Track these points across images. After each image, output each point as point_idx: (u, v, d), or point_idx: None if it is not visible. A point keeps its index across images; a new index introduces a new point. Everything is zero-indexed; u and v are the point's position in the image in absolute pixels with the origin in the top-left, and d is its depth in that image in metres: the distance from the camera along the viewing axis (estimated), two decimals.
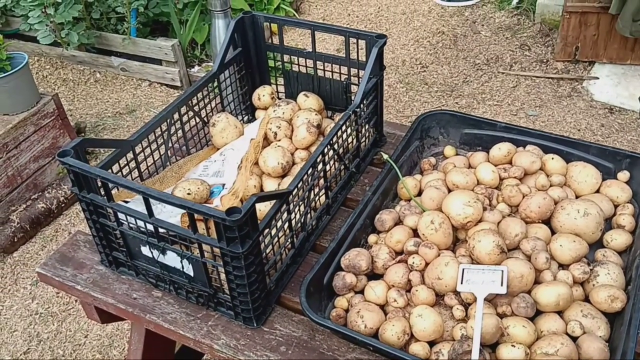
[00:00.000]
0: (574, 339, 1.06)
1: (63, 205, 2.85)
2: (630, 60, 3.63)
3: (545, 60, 3.81)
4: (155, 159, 1.43)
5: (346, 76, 1.59)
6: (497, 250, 1.14)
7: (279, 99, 1.71)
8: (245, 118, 1.71)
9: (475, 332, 1.02)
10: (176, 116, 1.45)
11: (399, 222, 1.32)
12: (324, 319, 1.12)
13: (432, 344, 1.10)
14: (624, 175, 1.36)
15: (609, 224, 1.30)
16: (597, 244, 1.26)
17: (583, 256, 1.19)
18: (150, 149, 1.39)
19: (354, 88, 1.60)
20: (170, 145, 1.45)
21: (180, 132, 1.48)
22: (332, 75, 1.60)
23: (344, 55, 1.55)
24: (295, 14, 4.17)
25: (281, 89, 1.72)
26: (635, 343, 0.99)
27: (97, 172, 1.11)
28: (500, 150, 1.39)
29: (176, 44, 3.51)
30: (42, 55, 3.88)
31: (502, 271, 1.10)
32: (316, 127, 1.51)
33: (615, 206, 1.33)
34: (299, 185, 1.21)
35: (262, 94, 1.67)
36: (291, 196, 1.20)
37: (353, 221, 1.27)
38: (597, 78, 3.62)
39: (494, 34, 4.06)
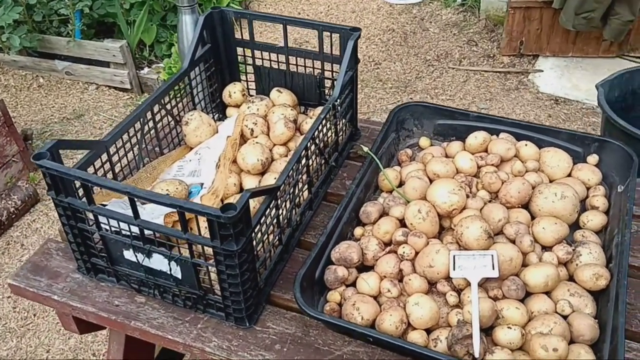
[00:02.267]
0: (564, 317, 1.09)
1: (14, 216, 2.71)
2: (572, 53, 3.78)
3: (492, 55, 3.92)
4: (129, 160, 1.38)
5: (319, 70, 1.58)
6: (485, 235, 1.16)
7: (250, 95, 1.68)
8: (216, 116, 1.68)
9: (473, 316, 1.03)
10: (149, 115, 1.40)
11: (383, 213, 1.33)
12: (321, 313, 1.11)
13: (428, 331, 1.11)
14: (593, 158, 1.41)
15: (582, 205, 1.35)
16: (574, 226, 1.30)
17: (564, 237, 1.23)
18: (124, 149, 1.34)
19: (327, 82, 1.59)
20: (143, 145, 1.40)
21: (153, 132, 1.44)
22: (305, 70, 1.59)
23: (317, 50, 1.55)
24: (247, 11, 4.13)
25: (252, 85, 1.70)
26: (625, 318, 1.02)
27: (77, 174, 1.06)
28: (476, 139, 1.42)
29: (125, 45, 3.41)
30: None
31: (492, 255, 1.12)
32: (293, 123, 1.50)
33: (587, 188, 1.37)
34: (286, 181, 1.19)
35: (233, 91, 1.64)
36: (279, 192, 1.18)
37: (340, 215, 1.26)
38: (542, 71, 3.76)
39: (442, 31, 4.15)
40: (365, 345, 1.14)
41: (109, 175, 1.31)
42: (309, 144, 1.28)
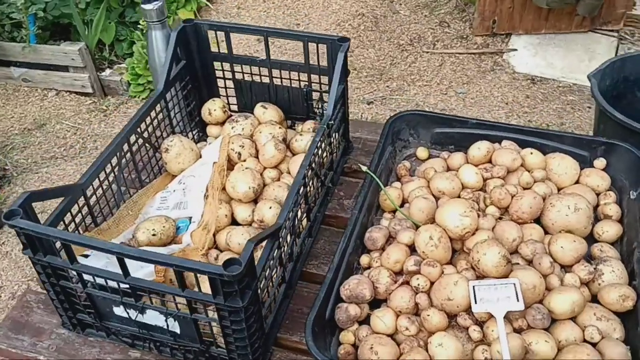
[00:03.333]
0: (593, 344, 1.03)
1: None
2: (545, 30, 3.73)
3: (465, 36, 3.84)
4: (109, 199, 1.26)
5: (306, 82, 1.47)
6: (504, 261, 1.09)
7: (232, 111, 1.57)
8: (197, 135, 1.56)
9: (504, 355, 0.96)
10: (126, 147, 1.28)
11: (390, 238, 1.25)
12: None
13: None
14: (600, 162, 1.35)
15: (594, 214, 1.29)
16: (588, 237, 1.24)
17: (584, 255, 1.16)
18: (102, 188, 1.22)
19: (315, 94, 1.49)
20: (122, 180, 1.28)
21: (131, 164, 1.32)
22: (291, 82, 1.48)
23: (302, 61, 1.44)
24: (208, 4, 3.97)
25: (232, 100, 1.58)
26: None
27: (58, 234, 0.94)
28: (480, 150, 1.34)
29: (83, 48, 3.22)
30: None
31: (515, 284, 1.05)
32: (283, 142, 1.39)
33: (597, 194, 1.31)
34: (287, 216, 1.10)
35: (213, 108, 1.52)
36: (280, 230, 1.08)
37: (345, 246, 1.17)
38: (516, 50, 3.71)
39: (413, 13, 4.05)
40: None
41: (88, 219, 1.19)
42: (307, 172, 1.19)
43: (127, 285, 1.00)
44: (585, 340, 1.04)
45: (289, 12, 4.12)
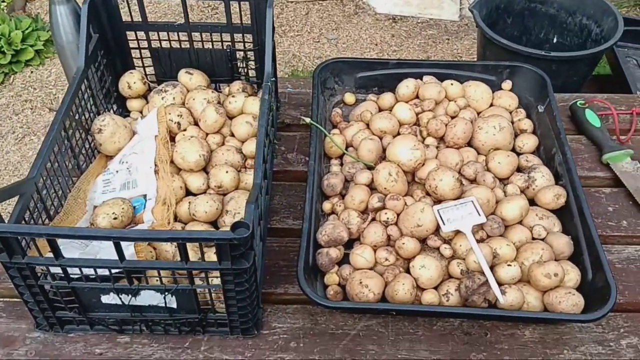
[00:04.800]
0: (541, 240, 1.20)
1: None
2: None
3: None
4: (57, 190, 1.18)
5: (228, 43, 1.46)
6: (458, 183, 1.21)
7: (152, 82, 1.51)
8: (117, 113, 1.49)
9: (482, 264, 1.09)
10: (63, 133, 1.20)
11: (345, 182, 1.32)
12: (340, 302, 1.10)
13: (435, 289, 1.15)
14: (507, 84, 1.52)
15: None
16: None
17: (517, 167, 1.33)
18: (50, 180, 1.14)
19: (238, 54, 1.49)
20: (65, 169, 1.21)
21: (69, 151, 1.24)
22: (212, 45, 1.46)
23: (223, 22, 1.42)
24: None
25: (149, 70, 1.52)
26: (595, 227, 1.16)
27: (43, 231, 0.89)
28: (408, 87, 1.44)
29: None
30: None
31: (472, 201, 1.18)
32: (221, 106, 1.39)
33: (509, 112, 1.48)
34: (264, 175, 1.12)
35: (132, 81, 1.46)
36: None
37: (310, 195, 1.22)
38: None
39: None
40: (376, 316, 1.16)
41: (43, 214, 1.12)
42: (266, 129, 1.20)
43: (119, 270, 0.97)
44: (534, 238, 1.21)
45: None
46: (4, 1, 3.19)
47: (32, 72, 3.12)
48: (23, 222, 1.02)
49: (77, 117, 1.27)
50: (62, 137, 1.19)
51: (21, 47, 3.04)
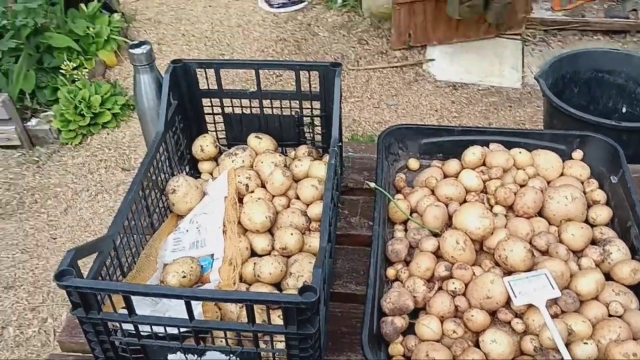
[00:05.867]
0: (618, 317, 1.14)
1: None
2: (456, 39, 4.00)
3: (384, 51, 4.03)
4: (132, 247, 1.23)
5: (297, 109, 1.51)
6: (530, 254, 1.18)
7: (223, 145, 1.57)
8: (189, 174, 1.55)
9: (557, 341, 1.04)
10: (140, 193, 1.26)
11: (410, 248, 1.31)
12: None
13: None
14: (578, 154, 1.49)
15: None
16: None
17: (591, 239, 1.28)
18: (126, 237, 1.19)
19: (305, 120, 1.53)
20: (140, 227, 1.26)
21: (144, 210, 1.29)
22: (282, 111, 1.51)
23: (292, 89, 1.48)
24: (127, 41, 3.88)
25: (221, 134, 1.58)
26: None
27: (120, 287, 0.92)
28: (475, 154, 1.44)
29: (6, 99, 3.05)
30: None
31: (546, 274, 1.14)
32: (288, 169, 1.42)
33: (581, 183, 1.45)
34: (330, 238, 1.13)
35: (205, 144, 1.52)
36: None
37: (375, 260, 1.22)
38: (433, 59, 3.94)
39: (332, 34, 4.19)
40: None
41: (118, 271, 1.16)
42: (332, 194, 1.22)
43: (187, 330, 0.98)
44: (610, 315, 1.15)
45: (211, 43, 4.13)
46: (86, 68, 3.43)
47: (108, 133, 3.30)
48: (100, 278, 1.06)
49: (153, 177, 1.32)
50: (139, 196, 1.25)
51: (99, 110, 3.23)
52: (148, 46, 1.39)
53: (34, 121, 3.24)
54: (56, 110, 3.21)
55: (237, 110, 1.53)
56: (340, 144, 1.35)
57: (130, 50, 1.38)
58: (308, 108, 1.51)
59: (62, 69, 3.32)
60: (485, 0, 3.55)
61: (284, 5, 4.39)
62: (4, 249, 2.70)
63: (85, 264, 1.01)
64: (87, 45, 3.60)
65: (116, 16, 3.79)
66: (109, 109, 3.27)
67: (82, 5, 3.69)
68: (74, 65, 3.35)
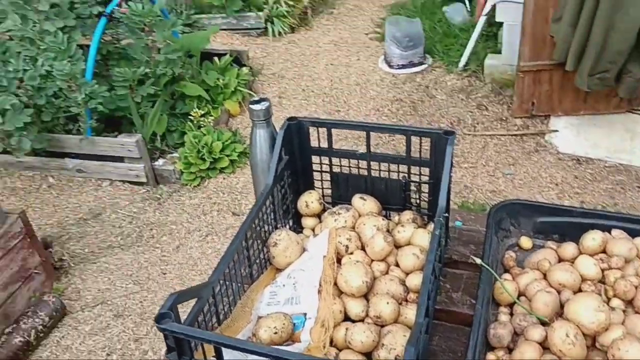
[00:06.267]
0: None
1: (41, 334, 2.52)
2: (584, 111, 3.80)
3: (504, 118, 3.92)
4: (229, 295, 1.25)
5: (404, 174, 1.50)
6: None
7: (327, 203, 1.59)
8: (292, 229, 1.57)
9: None
10: (243, 243, 1.29)
11: (514, 334, 1.22)
12: None
13: None
14: None
15: None
16: None
17: None
18: (226, 285, 1.22)
19: (412, 185, 1.51)
20: (239, 276, 1.28)
21: (245, 260, 1.32)
22: (389, 174, 1.50)
23: (403, 154, 1.47)
24: (252, 94, 4.10)
25: (327, 192, 1.60)
26: None
27: (215, 338, 0.93)
28: (595, 240, 1.33)
29: (140, 140, 3.32)
30: None
31: None
32: (389, 234, 1.40)
33: None
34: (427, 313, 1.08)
35: (310, 201, 1.54)
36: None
37: (475, 343, 1.15)
38: (557, 131, 3.77)
39: (450, 97, 4.16)
40: None
41: (214, 318, 1.18)
42: (434, 267, 1.18)
43: None
44: None
45: (328, 99, 4.25)
46: (212, 115, 3.66)
47: (224, 178, 3.46)
48: (196, 323, 1.08)
49: (257, 229, 1.36)
50: (242, 246, 1.28)
51: (219, 156, 3.42)
52: (267, 103, 1.45)
53: (160, 161, 3.48)
54: (181, 152, 3.44)
55: (345, 170, 1.55)
56: (446, 214, 1.31)
57: (251, 106, 1.45)
58: (416, 174, 1.49)
59: (191, 115, 3.57)
60: (618, 73, 3.37)
61: (403, 66, 4.45)
62: (120, 278, 2.88)
63: (185, 307, 1.04)
64: (215, 95, 3.85)
65: (244, 70, 4.04)
66: (227, 155, 3.45)
67: (216, 59, 3.98)
68: (202, 112, 3.59)
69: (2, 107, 2.98)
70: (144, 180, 3.40)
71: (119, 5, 3.43)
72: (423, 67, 4.47)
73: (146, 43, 3.41)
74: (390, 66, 4.49)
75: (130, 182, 3.44)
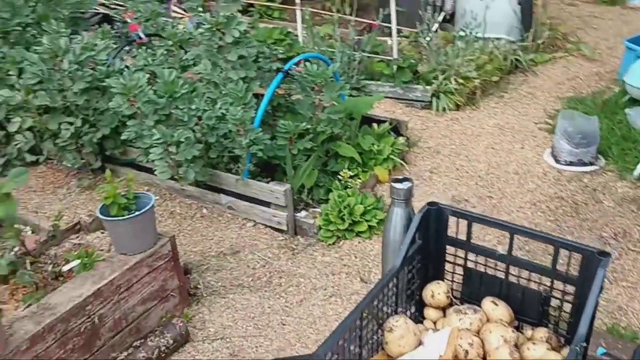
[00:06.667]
0: None
1: (163, 355, 2.65)
2: None
3: None
4: None
5: (546, 287, 1.37)
6: None
7: (455, 298, 1.50)
8: (413, 316, 1.51)
9: None
10: (358, 321, 1.26)
11: None
12: None
13: None
14: None
15: None
16: None
17: None
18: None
19: (553, 301, 1.38)
20: (348, 354, 1.25)
21: (357, 339, 1.28)
22: (528, 283, 1.39)
23: (549, 266, 1.35)
24: (403, 164, 4.10)
25: (456, 286, 1.52)
26: None
27: None
28: None
29: (288, 190, 3.45)
30: (152, 185, 3.93)
31: None
32: (516, 348, 1.28)
33: None
34: None
35: (437, 292, 1.48)
36: None
37: None
38: None
39: (618, 205, 3.81)
40: None
41: None
42: None
43: None
44: None
45: (482, 183, 4.11)
46: (360, 178, 3.71)
47: (359, 242, 3.47)
48: None
49: (375, 310, 1.32)
50: (355, 325, 1.25)
51: (359, 219, 3.44)
52: (409, 184, 1.44)
53: (303, 213, 3.58)
54: (323, 209, 3.51)
55: (480, 267, 1.47)
56: (584, 344, 1.17)
57: (392, 184, 1.44)
58: (559, 289, 1.36)
59: (340, 174, 3.66)
60: None
61: (571, 163, 4.18)
62: (242, 318, 2.97)
63: None
64: (367, 159, 3.91)
65: (401, 139, 4.07)
66: (367, 220, 3.45)
67: (375, 125, 4.06)
68: (352, 173, 3.66)
69: (179, 139, 3.30)
70: (284, 228, 3.51)
71: (297, 64, 3.67)
72: (593, 167, 4.16)
73: (313, 101, 3.60)
74: (557, 161, 4.24)
75: (272, 228, 3.58)
